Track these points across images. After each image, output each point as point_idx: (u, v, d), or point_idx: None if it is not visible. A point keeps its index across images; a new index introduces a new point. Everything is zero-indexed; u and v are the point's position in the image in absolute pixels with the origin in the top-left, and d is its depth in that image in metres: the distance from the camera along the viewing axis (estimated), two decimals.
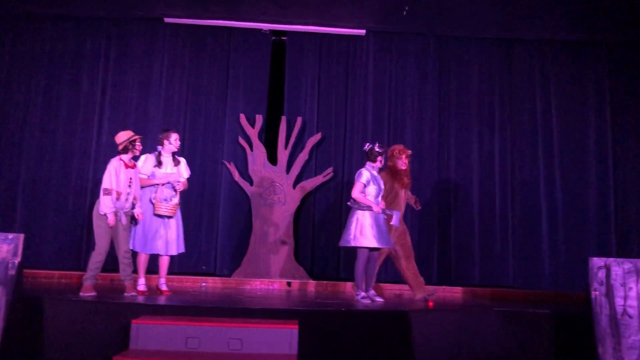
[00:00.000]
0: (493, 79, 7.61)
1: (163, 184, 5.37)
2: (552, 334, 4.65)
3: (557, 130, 7.45)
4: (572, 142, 7.44)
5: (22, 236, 4.08)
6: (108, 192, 4.99)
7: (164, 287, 5.47)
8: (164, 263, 5.49)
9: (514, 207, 7.36)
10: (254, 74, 7.51)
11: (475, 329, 4.65)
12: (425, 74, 7.61)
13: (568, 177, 7.36)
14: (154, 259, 5.54)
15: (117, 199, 5.03)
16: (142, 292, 5.27)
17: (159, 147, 5.51)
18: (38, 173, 7.13)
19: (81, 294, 4.85)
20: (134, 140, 5.19)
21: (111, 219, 4.98)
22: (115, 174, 5.03)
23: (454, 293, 6.76)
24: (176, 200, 5.38)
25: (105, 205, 4.98)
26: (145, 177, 5.39)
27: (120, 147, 5.19)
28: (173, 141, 5.49)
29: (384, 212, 5.49)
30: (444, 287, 6.83)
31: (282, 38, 7.67)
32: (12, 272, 3.95)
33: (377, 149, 5.50)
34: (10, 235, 4.05)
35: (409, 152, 5.93)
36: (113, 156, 5.30)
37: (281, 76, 7.59)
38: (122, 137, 5.21)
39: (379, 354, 4.30)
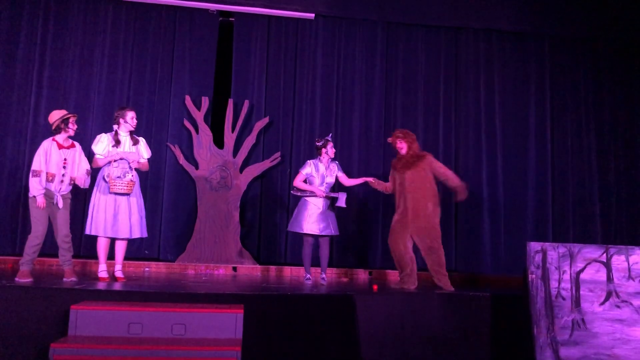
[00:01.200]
0: (439, 66, 7.73)
1: (116, 160, 5.17)
2: (491, 315, 4.81)
3: (499, 118, 7.69)
4: (514, 130, 7.70)
5: None
6: (36, 173, 4.85)
7: (119, 274, 5.29)
8: (121, 247, 5.32)
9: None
10: (200, 55, 7.35)
11: (419, 311, 4.78)
12: (373, 60, 7.65)
13: (509, 163, 7.61)
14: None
15: (50, 180, 4.90)
16: (103, 279, 5.14)
17: (115, 126, 5.33)
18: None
19: (17, 279, 4.70)
20: (67, 119, 5.02)
21: (40, 201, 4.82)
22: (44, 155, 4.90)
23: (397, 277, 6.87)
24: (130, 176, 5.17)
25: (33, 187, 4.83)
26: (102, 157, 5.20)
27: (53, 127, 5.05)
28: (129, 119, 5.32)
29: (326, 196, 5.77)
30: (387, 271, 6.94)
31: (230, 19, 7.53)
32: None
33: (316, 143, 5.96)
34: None
35: (390, 138, 5.83)
36: (50, 135, 5.13)
37: (228, 58, 7.47)
38: (55, 116, 5.06)
39: (325, 337, 4.34)
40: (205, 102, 7.15)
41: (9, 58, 6.99)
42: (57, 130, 5.04)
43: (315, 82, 7.54)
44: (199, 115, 7.12)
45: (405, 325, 4.68)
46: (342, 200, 5.73)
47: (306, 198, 5.79)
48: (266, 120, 7.32)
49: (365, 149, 7.48)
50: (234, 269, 6.81)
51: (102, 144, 5.23)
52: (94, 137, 5.52)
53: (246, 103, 7.26)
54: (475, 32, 7.78)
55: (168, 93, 7.28)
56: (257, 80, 7.45)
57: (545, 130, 7.71)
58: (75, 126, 5.13)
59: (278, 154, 7.29)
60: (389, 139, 5.78)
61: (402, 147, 5.64)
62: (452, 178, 5.59)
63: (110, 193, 5.10)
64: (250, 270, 6.83)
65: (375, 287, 5.47)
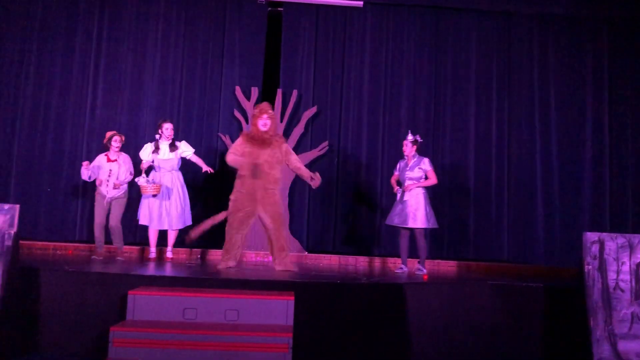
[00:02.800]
0: (491, 53, 7.55)
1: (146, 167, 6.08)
2: (544, 307, 4.71)
3: (554, 106, 7.45)
4: (569, 118, 7.46)
5: (17, 207, 4.07)
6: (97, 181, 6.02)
7: (168, 254, 6.23)
8: (171, 235, 6.19)
9: (510, 182, 7.39)
10: (249, 46, 7.43)
11: (469, 301, 4.71)
12: (422, 48, 7.55)
13: (564, 152, 7.39)
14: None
15: (100, 185, 5.94)
16: (151, 259, 6.16)
17: (156, 136, 6.13)
18: (32, 145, 7.10)
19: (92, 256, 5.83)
20: (111, 138, 6.00)
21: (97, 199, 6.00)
22: (96, 166, 5.99)
23: (449, 267, 6.82)
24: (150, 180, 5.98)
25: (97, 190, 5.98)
26: (145, 162, 6.11)
27: (105, 144, 6.10)
28: (164, 130, 6.10)
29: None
30: (438, 261, 6.88)
31: (279, 9, 7.57)
32: (8, 242, 3.94)
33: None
34: (6, 206, 4.03)
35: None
36: (107, 127, 6.24)
37: (277, 48, 7.51)
38: (106, 136, 6.08)
39: (374, 325, 4.35)
40: (255, 92, 7.23)
41: (67, 53, 7.26)
42: (107, 147, 6.03)
43: (363, 71, 7.51)
44: (248, 106, 7.20)
45: (456, 315, 4.62)
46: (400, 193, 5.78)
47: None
48: (314, 109, 7.34)
49: None
50: None
51: (145, 152, 6.14)
52: (148, 128, 6.13)
53: (294, 93, 7.31)
54: (528, 17, 7.56)
55: (218, 84, 7.40)
56: (306, 70, 7.47)
57: (602, 118, 7.44)
58: (119, 143, 5.98)
59: (326, 143, 7.31)
60: (265, 115, 5.49)
61: (267, 123, 5.39)
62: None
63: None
64: (299, 258, 6.89)
65: (425, 277, 5.43)
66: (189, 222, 6.17)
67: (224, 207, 7.14)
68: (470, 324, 4.61)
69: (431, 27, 7.57)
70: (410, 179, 5.79)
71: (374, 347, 4.32)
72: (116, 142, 6.00)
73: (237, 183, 5.41)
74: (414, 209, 5.71)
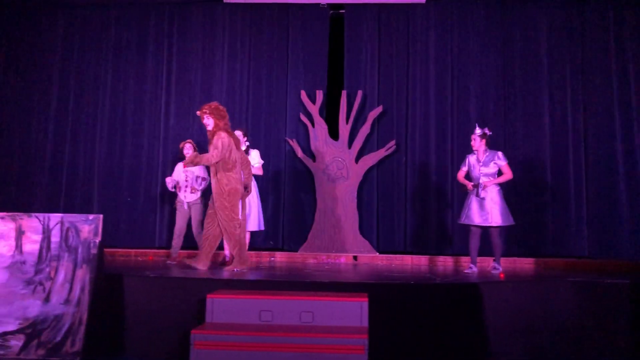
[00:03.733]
0: (562, 41, 7.23)
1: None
2: (630, 305, 4.48)
3: (634, 90, 7.00)
4: None
5: (101, 217, 4.28)
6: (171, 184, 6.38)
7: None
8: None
9: (589, 175, 7.04)
10: (313, 50, 7.50)
11: (549, 300, 4.55)
12: (488, 41, 7.35)
13: None
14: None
15: (179, 190, 6.31)
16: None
17: None
18: (111, 156, 7.46)
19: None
20: (183, 147, 6.41)
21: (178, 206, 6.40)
22: (174, 172, 6.45)
23: (525, 264, 6.62)
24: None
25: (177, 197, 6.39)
26: None
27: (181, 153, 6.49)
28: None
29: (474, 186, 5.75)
30: (513, 258, 6.68)
31: (340, 11, 7.60)
32: (94, 251, 4.15)
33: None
34: (91, 216, 4.25)
35: (198, 112, 5.55)
36: (181, 138, 6.58)
37: (340, 50, 7.54)
38: (180, 146, 6.51)
39: (450, 326, 4.28)
40: (320, 95, 7.29)
41: (140, 67, 7.59)
42: (182, 156, 6.35)
43: (428, 68, 7.40)
44: (314, 109, 7.27)
45: (536, 314, 4.48)
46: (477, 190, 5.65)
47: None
48: (380, 109, 7.31)
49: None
50: (355, 258, 6.90)
51: None
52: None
53: (359, 93, 7.30)
54: (601, 2, 7.17)
55: (284, 89, 7.50)
56: (370, 70, 7.46)
57: None
58: (189, 150, 6.29)
59: (393, 143, 7.26)
60: (197, 112, 5.53)
61: (208, 123, 5.37)
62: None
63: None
64: (371, 259, 6.89)
65: (502, 275, 5.29)
66: (262, 227, 6.30)
67: (297, 209, 7.30)
68: (552, 324, 4.46)
69: (497, 19, 7.36)
70: (485, 174, 5.63)
71: (451, 348, 4.25)
72: (187, 150, 6.29)
73: None
74: (491, 207, 5.56)
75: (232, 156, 5.32)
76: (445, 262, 6.81)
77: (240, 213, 5.34)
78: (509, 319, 4.38)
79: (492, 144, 6.98)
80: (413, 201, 7.23)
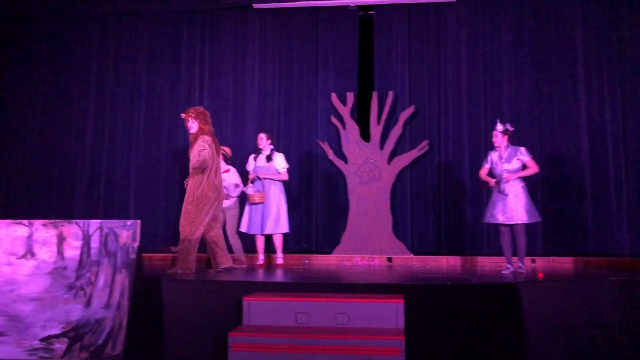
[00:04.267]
0: (598, 36, 7.06)
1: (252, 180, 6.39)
2: None
3: None
4: None
5: (139, 222, 4.36)
6: None
7: (278, 261, 6.42)
8: (275, 241, 6.41)
9: (629, 169, 6.84)
10: (343, 52, 7.51)
11: (590, 300, 4.45)
12: (521, 39, 7.23)
13: None
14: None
15: None
16: (259, 265, 6.40)
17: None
18: (147, 162, 7.62)
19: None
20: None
21: None
22: None
23: (564, 264, 6.48)
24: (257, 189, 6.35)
25: None
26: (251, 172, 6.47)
27: None
28: (259, 140, 6.43)
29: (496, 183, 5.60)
30: (552, 257, 6.55)
31: (370, 12, 7.59)
32: (132, 255, 4.23)
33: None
34: (129, 222, 4.34)
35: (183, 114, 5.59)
36: None
37: (370, 51, 7.53)
38: None
39: (489, 328, 4.22)
40: (350, 97, 7.29)
41: (174, 74, 7.73)
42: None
43: (460, 67, 7.33)
44: (345, 111, 7.27)
45: (576, 314, 4.38)
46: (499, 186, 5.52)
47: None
48: (411, 109, 7.27)
49: (517, 134, 7.04)
50: (389, 259, 6.87)
51: (249, 163, 6.49)
52: (251, 140, 6.93)
53: (390, 94, 7.27)
54: None
55: (314, 92, 7.53)
56: (400, 71, 7.42)
57: None
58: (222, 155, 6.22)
59: (425, 143, 7.20)
60: (182, 115, 5.51)
61: (192, 126, 5.39)
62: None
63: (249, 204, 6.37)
64: (405, 260, 6.84)
65: (540, 275, 5.20)
66: (286, 230, 6.35)
67: (330, 211, 7.31)
68: (593, 324, 4.35)
69: (529, 14, 7.24)
70: (508, 171, 5.52)
71: (489, 349, 4.19)
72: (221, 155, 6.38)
73: None
74: (515, 204, 5.44)
75: (214, 161, 5.35)
76: (481, 263, 6.72)
77: (205, 220, 5.25)
78: (548, 320, 4.30)
79: (528, 142, 6.90)
80: (447, 201, 7.16)
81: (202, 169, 5.26)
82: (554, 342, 4.30)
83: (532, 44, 7.20)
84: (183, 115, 5.50)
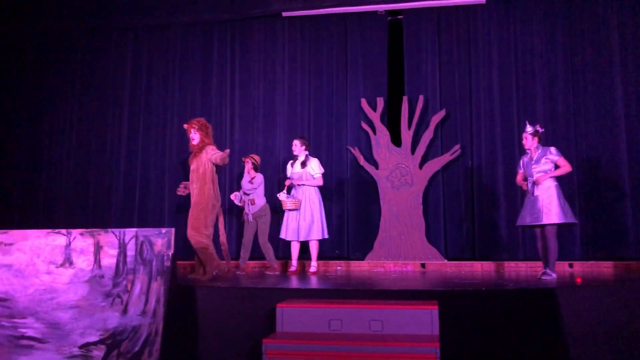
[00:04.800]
0: (636, 35, 6.88)
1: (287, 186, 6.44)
2: None
3: None
4: None
5: (173, 230, 4.41)
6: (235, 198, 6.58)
7: (311, 269, 6.40)
8: (311, 248, 6.41)
9: None
10: (372, 57, 7.50)
11: (632, 305, 4.30)
12: (553, 38, 7.11)
13: None
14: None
15: (243, 204, 6.49)
16: (291, 272, 6.38)
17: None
18: (180, 171, 7.71)
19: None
20: (244, 162, 6.55)
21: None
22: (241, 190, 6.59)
23: (604, 268, 6.31)
24: (292, 195, 6.35)
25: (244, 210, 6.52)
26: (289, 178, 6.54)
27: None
28: (293, 147, 6.47)
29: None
30: (591, 262, 6.39)
31: (398, 17, 7.57)
32: (167, 263, 4.28)
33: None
34: (163, 230, 4.39)
35: (185, 125, 5.64)
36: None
37: (400, 56, 7.50)
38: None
39: (526, 333, 4.13)
40: (380, 102, 7.27)
41: (205, 83, 7.85)
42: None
43: (491, 69, 7.24)
44: (375, 116, 7.25)
45: (618, 320, 4.25)
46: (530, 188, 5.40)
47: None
48: (442, 113, 7.20)
49: (552, 135, 6.93)
50: (423, 265, 6.80)
51: (287, 170, 6.53)
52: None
53: (421, 98, 7.22)
54: None
55: (344, 98, 7.53)
56: (430, 74, 7.37)
57: None
58: (248, 164, 6.44)
59: (458, 147, 7.12)
60: (185, 125, 5.60)
61: (195, 137, 5.48)
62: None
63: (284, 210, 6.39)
64: (439, 266, 6.76)
65: (579, 279, 5.07)
66: (321, 236, 6.32)
67: (362, 218, 7.28)
68: (636, 330, 4.21)
69: (562, 13, 7.11)
70: (539, 172, 5.38)
71: (527, 356, 4.09)
72: (247, 164, 6.48)
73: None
74: (547, 203, 5.26)
75: (213, 170, 5.49)
76: (517, 268, 6.60)
77: (211, 222, 5.41)
78: (588, 326, 4.18)
79: (564, 142, 6.76)
80: (481, 206, 7.06)
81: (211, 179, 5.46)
82: (595, 348, 4.17)
83: (565, 43, 7.08)
84: (185, 125, 5.62)
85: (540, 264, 5.61)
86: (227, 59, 7.83)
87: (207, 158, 5.41)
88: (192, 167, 5.50)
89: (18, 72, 8.18)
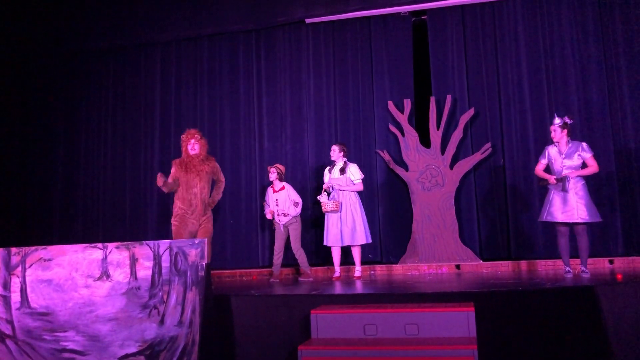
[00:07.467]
0: None
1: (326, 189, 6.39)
2: None
3: None
4: None
5: (205, 240, 4.46)
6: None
7: (356, 274, 6.39)
8: (354, 253, 6.40)
9: None
10: (397, 59, 7.46)
11: None
12: (585, 29, 6.94)
13: None
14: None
15: (272, 214, 6.53)
16: (335, 278, 6.29)
17: None
18: None
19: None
20: (269, 172, 6.61)
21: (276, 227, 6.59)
22: (266, 197, 6.70)
23: None
24: (331, 199, 6.26)
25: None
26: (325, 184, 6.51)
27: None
28: (331, 153, 6.48)
29: (557, 181, 5.35)
30: (632, 257, 6.22)
31: (422, 17, 7.52)
32: (202, 273, 4.33)
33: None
34: (197, 241, 4.45)
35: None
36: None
37: (425, 56, 7.44)
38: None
39: (565, 332, 4.03)
40: (408, 104, 7.22)
41: (233, 93, 7.92)
42: (270, 181, 6.64)
43: (520, 65, 7.11)
44: (402, 118, 7.21)
45: None
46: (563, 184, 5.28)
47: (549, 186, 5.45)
48: (471, 112, 7.11)
49: (587, 128, 6.77)
50: (457, 266, 6.71)
51: (325, 176, 6.52)
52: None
53: (448, 98, 7.15)
54: None
55: (371, 101, 7.51)
56: (457, 73, 7.29)
57: None
58: (273, 174, 6.56)
59: (488, 145, 7.02)
60: (185, 136, 5.87)
61: (196, 148, 5.73)
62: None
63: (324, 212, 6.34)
64: (474, 267, 6.67)
65: (619, 276, 4.93)
66: (365, 240, 6.29)
67: (394, 221, 7.24)
68: None
69: (593, 4, 6.94)
70: (569, 167, 5.27)
71: (567, 356, 4.00)
72: (272, 173, 6.57)
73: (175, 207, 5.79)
74: (576, 202, 5.17)
75: None
76: (554, 266, 6.45)
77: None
78: (631, 323, 4.06)
79: (600, 136, 6.60)
80: (515, 204, 6.93)
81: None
82: (638, 347, 4.05)
83: (597, 34, 6.90)
84: (187, 136, 5.84)
85: (578, 261, 5.47)
86: (253, 68, 7.90)
87: (211, 175, 5.87)
88: (190, 174, 5.73)
89: (52, 95, 8.42)
